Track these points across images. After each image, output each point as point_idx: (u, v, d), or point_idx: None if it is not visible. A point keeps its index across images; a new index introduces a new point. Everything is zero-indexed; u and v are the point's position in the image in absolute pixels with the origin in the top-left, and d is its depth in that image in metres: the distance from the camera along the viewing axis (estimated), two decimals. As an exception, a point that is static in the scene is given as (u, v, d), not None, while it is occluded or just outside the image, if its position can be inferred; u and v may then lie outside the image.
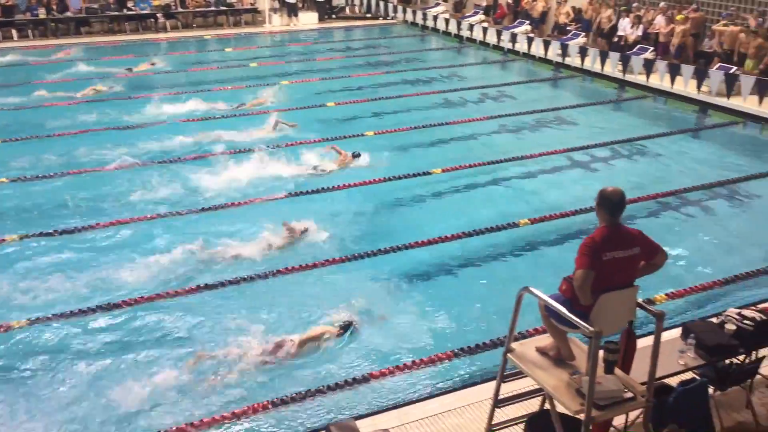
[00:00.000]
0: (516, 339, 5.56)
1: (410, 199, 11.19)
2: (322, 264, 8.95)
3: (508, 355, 5.03)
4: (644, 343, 5.26)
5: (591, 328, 4.27)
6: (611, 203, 4.61)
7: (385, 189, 11.55)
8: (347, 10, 28.90)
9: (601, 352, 4.69)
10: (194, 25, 26.42)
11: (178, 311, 7.89)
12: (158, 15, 25.46)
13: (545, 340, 5.10)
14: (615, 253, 4.52)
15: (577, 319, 4.39)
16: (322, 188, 11.37)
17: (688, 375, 5.95)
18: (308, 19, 27.32)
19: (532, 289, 4.74)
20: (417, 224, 10.24)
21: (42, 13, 23.85)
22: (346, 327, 7.45)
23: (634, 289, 4.67)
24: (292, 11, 26.72)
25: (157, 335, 7.52)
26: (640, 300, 4.84)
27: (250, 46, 23.59)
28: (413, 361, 6.96)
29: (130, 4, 25.28)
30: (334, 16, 28.61)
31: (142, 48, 22.53)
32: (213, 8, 26.50)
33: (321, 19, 27.60)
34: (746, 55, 16.85)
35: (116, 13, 24.99)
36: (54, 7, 24.07)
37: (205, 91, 16.85)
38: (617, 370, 4.80)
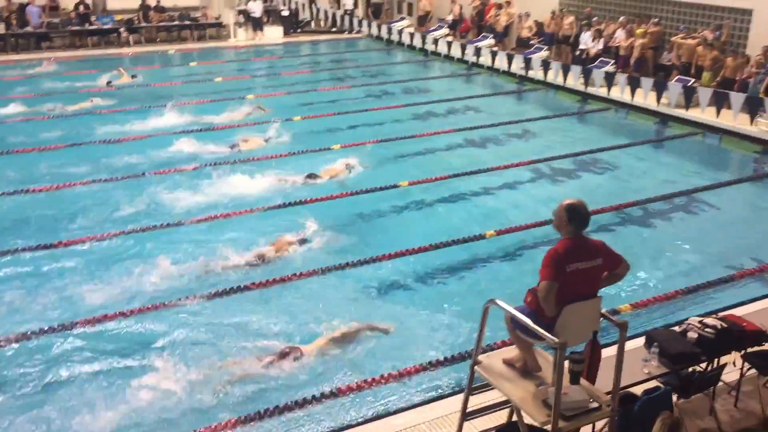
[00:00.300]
0: (483, 351, 5.61)
1: (377, 212, 11.20)
2: (290, 278, 8.94)
3: (476, 367, 5.06)
4: (609, 352, 5.31)
5: (556, 339, 4.32)
6: (581, 216, 4.67)
7: (351, 202, 11.55)
8: (313, 24, 28.93)
9: (566, 363, 4.74)
10: (158, 40, 26.21)
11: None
12: (121, 30, 25.22)
13: (512, 351, 5.14)
14: (578, 264, 4.58)
15: (543, 331, 4.43)
16: (294, 201, 11.34)
17: (653, 383, 6.03)
18: (273, 34, 27.27)
19: (497, 301, 4.78)
20: (383, 238, 10.25)
21: (1, 28, 23.44)
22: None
23: (598, 299, 4.73)
24: (257, 25, 26.67)
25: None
26: (604, 310, 4.91)
27: (215, 61, 23.47)
28: (381, 376, 6.95)
29: (92, 19, 24.99)
30: (299, 30, 28.62)
31: (108, 62, 22.32)
32: (177, 22, 26.33)
33: (286, 34, 27.58)
34: (704, 68, 17.27)
35: (78, 28, 24.69)
36: (14, 22, 23.68)
37: (161, 106, 16.66)
38: (583, 381, 4.84)
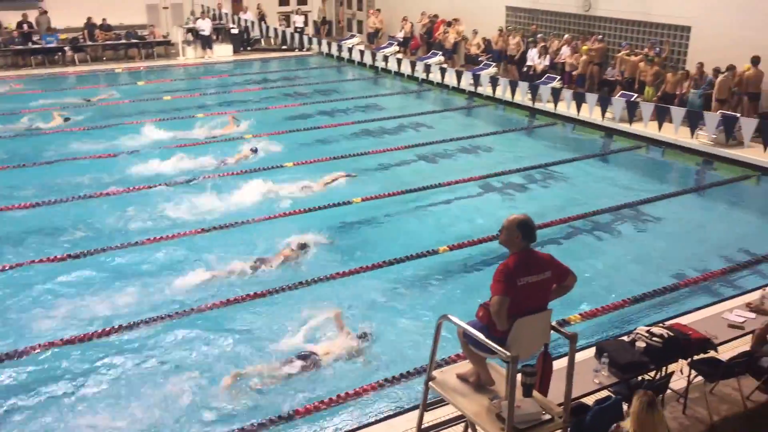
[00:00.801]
0: (439, 366, 5.63)
1: (328, 229, 11.17)
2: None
3: (430, 383, 5.07)
4: (561, 364, 5.40)
5: (508, 353, 4.36)
6: (530, 229, 4.74)
7: (303, 219, 11.52)
8: (263, 42, 28.85)
9: (519, 376, 4.79)
10: (104, 59, 25.79)
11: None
12: (66, 48, 24.74)
13: (466, 366, 5.17)
14: (529, 278, 4.64)
15: (495, 345, 4.47)
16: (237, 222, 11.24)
17: (604, 393, 6.13)
18: (223, 52, 27.11)
19: (450, 316, 4.81)
20: (334, 256, 10.23)
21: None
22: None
23: (548, 312, 4.80)
24: (206, 43, 26.48)
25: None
26: (554, 322, 4.98)
27: (163, 79, 23.19)
28: (338, 396, 6.91)
29: (35, 38, 24.47)
30: (249, 48, 28.51)
31: (52, 82, 21.89)
32: (123, 41, 25.96)
33: (236, 52, 27.44)
34: (646, 83, 17.79)
35: (21, 47, 24.13)
36: (-47, 40, 23.08)
37: (112, 126, 16.41)
38: (535, 393, 4.90)
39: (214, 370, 7.41)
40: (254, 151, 14.64)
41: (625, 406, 5.65)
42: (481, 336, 4.57)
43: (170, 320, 8.36)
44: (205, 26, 26.31)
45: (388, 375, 7.24)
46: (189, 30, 26.89)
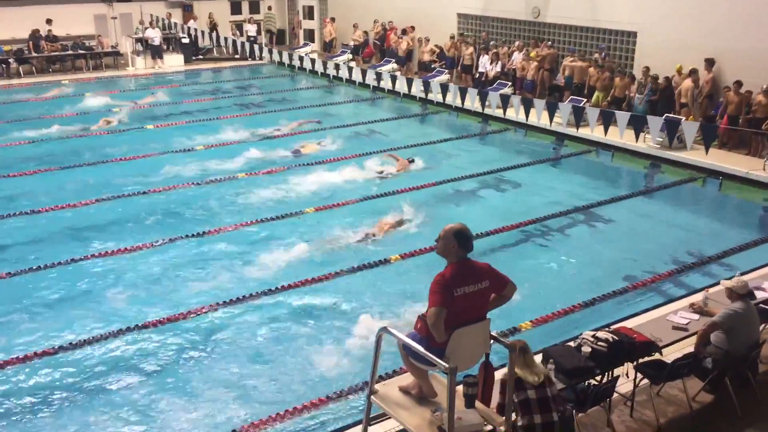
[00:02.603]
0: (382, 379, 5.55)
1: (274, 240, 11.03)
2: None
3: (372, 397, 4.98)
4: (503, 373, 5.35)
5: (446, 365, 4.29)
6: (466, 238, 4.68)
7: (252, 231, 11.37)
8: (215, 51, 28.53)
9: (460, 387, 4.73)
10: (50, 70, 25.21)
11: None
12: (10, 60, 24.11)
13: (408, 378, 5.09)
14: (466, 288, 4.58)
15: (434, 357, 4.40)
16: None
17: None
18: (174, 62, 26.73)
19: (389, 329, 4.73)
20: (288, 266, 10.10)
21: None
22: None
23: (487, 322, 4.75)
24: (157, 53, 26.07)
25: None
26: (504, 330, 4.94)
27: (112, 90, 22.73)
28: (277, 414, 6.79)
29: (-23, 50, 23.87)
30: (201, 57, 28.16)
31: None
32: (70, 52, 25.41)
33: (187, 61, 27.08)
34: (596, 88, 18.04)
35: (-38, 59, 23.50)
36: None
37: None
38: (478, 403, 4.85)
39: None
40: (411, 161, 14.94)
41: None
42: (420, 348, 4.50)
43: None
44: (155, 36, 25.92)
45: (330, 391, 7.14)
46: (138, 40, 26.46)
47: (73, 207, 12.36)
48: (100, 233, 11.31)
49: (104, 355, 7.95)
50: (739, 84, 14.96)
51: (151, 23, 26.32)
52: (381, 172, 14.36)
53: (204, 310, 8.88)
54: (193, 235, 11.11)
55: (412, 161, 14.89)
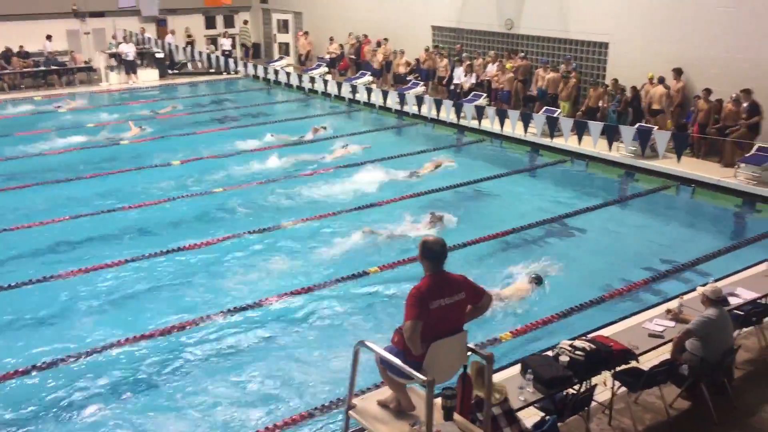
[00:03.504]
0: (362, 393, 5.52)
1: (254, 255, 10.98)
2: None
3: (350, 411, 4.95)
4: (482, 384, 5.35)
5: (424, 378, 4.28)
6: (433, 254, 4.69)
7: (227, 246, 11.32)
8: (189, 65, 28.41)
9: (438, 400, 4.72)
10: (22, 86, 24.93)
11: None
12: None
13: (386, 392, 5.07)
14: (442, 300, 4.58)
15: (411, 370, 4.39)
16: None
17: (530, 410, 6.13)
18: (148, 76, 26.57)
19: (367, 342, 4.72)
20: (263, 281, 10.06)
21: None
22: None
23: (464, 333, 4.75)
24: (131, 68, 25.91)
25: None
26: (483, 340, 4.94)
27: (86, 106, 22.53)
28: (257, 431, 6.72)
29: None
30: (176, 72, 28.02)
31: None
32: (43, 68, 25.16)
33: (162, 76, 26.94)
34: (566, 99, 18.23)
35: (-68, 75, 23.17)
36: None
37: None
38: (456, 416, 4.83)
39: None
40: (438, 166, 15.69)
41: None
42: (397, 361, 4.49)
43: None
44: (129, 51, 25.76)
45: (308, 406, 7.09)
46: (112, 55, 26.28)
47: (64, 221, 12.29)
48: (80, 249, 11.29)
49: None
50: (708, 92, 15.21)
51: (124, 38, 26.17)
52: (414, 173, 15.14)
53: (174, 329, 8.77)
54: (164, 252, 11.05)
55: (440, 165, 15.60)
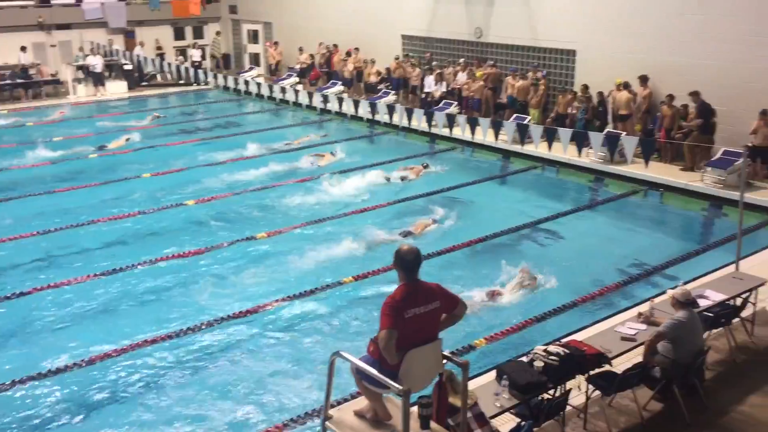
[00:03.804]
0: (339, 404, 5.51)
1: (232, 267, 10.91)
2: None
3: (327, 423, 4.94)
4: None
5: (400, 387, 4.29)
6: (406, 263, 4.70)
7: (202, 260, 11.23)
8: (159, 77, 28.19)
9: (415, 408, 4.73)
10: (-12, 100, 24.57)
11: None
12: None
13: (362, 402, 5.07)
14: (416, 309, 4.59)
15: (387, 379, 4.39)
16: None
17: (506, 416, 6.16)
18: (117, 89, 26.28)
19: (342, 352, 4.71)
20: (238, 293, 9.99)
21: None
22: None
23: (439, 342, 4.77)
24: (99, 81, 25.63)
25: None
26: (457, 348, 4.96)
27: (54, 119, 22.24)
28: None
29: None
30: (145, 83, 27.78)
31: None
32: (8, 81, 24.78)
33: (131, 88, 26.68)
34: (534, 105, 18.43)
35: None
36: None
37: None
38: (433, 424, 4.85)
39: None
40: (425, 166, 16.06)
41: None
42: (373, 371, 4.49)
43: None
44: (97, 63, 25.49)
45: (286, 417, 7.06)
46: (79, 67, 25.99)
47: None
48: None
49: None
50: (671, 98, 15.50)
51: (92, 50, 25.90)
52: (404, 179, 15.34)
53: (146, 343, 8.67)
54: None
55: (427, 166, 15.81)
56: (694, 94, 14.83)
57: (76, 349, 8.52)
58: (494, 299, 9.70)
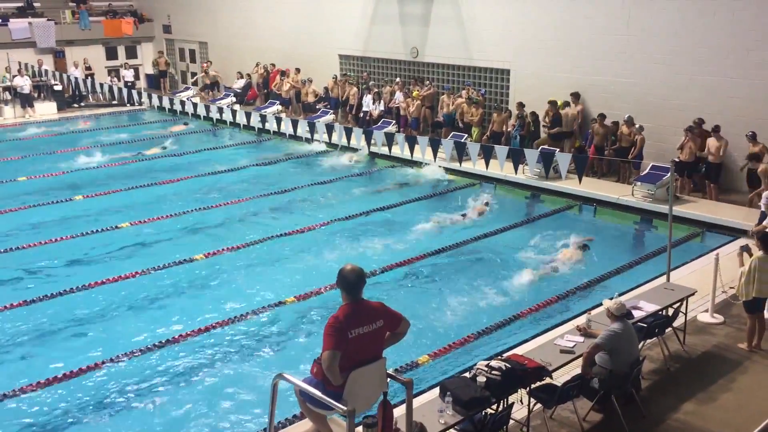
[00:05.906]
0: (283, 427, 5.43)
1: (171, 288, 10.69)
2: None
3: (271, 447, 4.86)
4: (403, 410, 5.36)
5: (344, 408, 4.26)
6: (348, 283, 4.69)
7: (146, 281, 10.98)
8: (91, 98, 27.50)
9: (360, 428, 4.70)
10: None
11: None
12: None
13: (307, 424, 5.02)
14: (360, 329, 4.58)
15: (331, 400, 4.36)
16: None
17: (451, 432, 6.19)
18: (46, 110, 25.51)
19: (285, 374, 4.66)
20: (174, 315, 9.77)
21: None
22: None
23: (383, 361, 4.77)
24: (26, 102, 24.83)
25: None
26: (400, 365, 4.96)
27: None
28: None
29: None
30: (76, 105, 27.04)
31: None
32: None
33: (61, 109, 25.93)
34: (471, 124, 18.74)
35: None
36: None
37: None
38: (379, 443, 4.82)
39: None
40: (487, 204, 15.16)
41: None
42: (317, 392, 4.45)
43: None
44: (24, 84, 24.71)
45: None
46: (6, 88, 25.13)
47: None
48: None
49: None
50: (602, 117, 16.03)
51: (19, 71, 25.10)
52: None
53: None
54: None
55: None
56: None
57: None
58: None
